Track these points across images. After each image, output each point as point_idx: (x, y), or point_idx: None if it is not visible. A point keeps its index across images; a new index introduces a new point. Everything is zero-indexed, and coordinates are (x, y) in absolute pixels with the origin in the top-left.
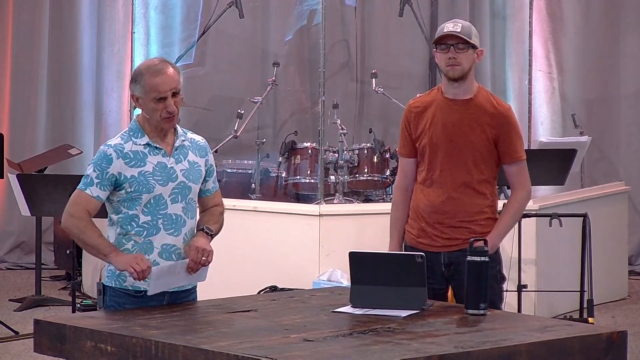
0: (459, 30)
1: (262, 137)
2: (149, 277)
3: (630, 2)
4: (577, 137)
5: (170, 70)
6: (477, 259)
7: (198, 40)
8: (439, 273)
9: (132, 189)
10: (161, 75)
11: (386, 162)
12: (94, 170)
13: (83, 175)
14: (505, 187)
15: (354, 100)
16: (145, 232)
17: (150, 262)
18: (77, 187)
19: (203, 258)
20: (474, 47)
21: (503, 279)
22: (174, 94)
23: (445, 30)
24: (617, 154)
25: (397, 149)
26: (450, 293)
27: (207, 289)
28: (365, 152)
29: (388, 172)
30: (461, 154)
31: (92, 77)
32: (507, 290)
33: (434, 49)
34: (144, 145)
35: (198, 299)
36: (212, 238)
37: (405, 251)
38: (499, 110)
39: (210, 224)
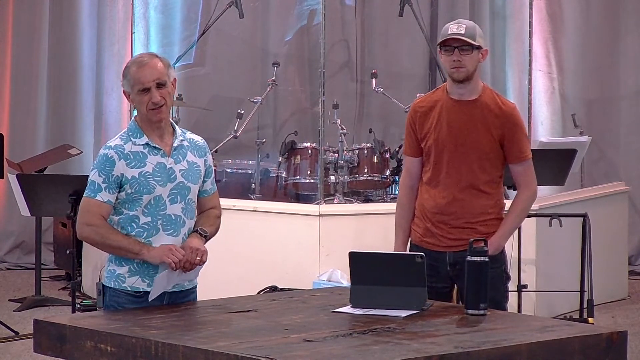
0: (463, 31)
1: (262, 137)
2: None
3: (630, 3)
4: (577, 137)
5: (155, 62)
6: (477, 259)
7: (198, 40)
8: (444, 273)
9: (132, 190)
10: (144, 67)
11: (386, 162)
12: (99, 175)
13: (87, 178)
14: (506, 187)
15: (354, 100)
16: (145, 233)
17: (183, 251)
18: (85, 195)
19: (197, 258)
20: (478, 47)
21: (508, 278)
22: (159, 85)
23: (449, 32)
24: (617, 154)
25: (397, 149)
26: (455, 292)
27: (207, 289)
28: (365, 152)
29: (388, 172)
30: (467, 154)
31: (92, 77)
32: (509, 290)
33: (439, 50)
34: (143, 145)
35: (198, 299)
36: (206, 240)
37: (410, 250)
38: (504, 110)
39: (205, 226)
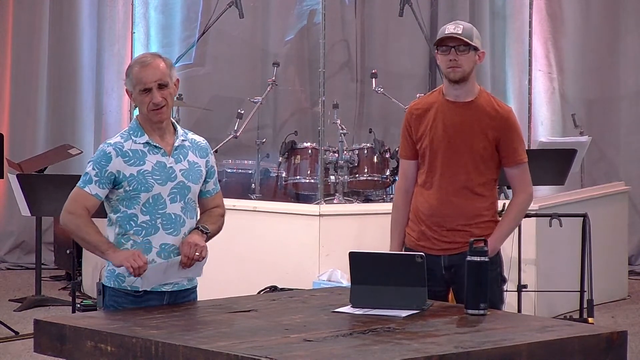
0: (460, 32)
1: (262, 137)
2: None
3: (630, 2)
4: (577, 137)
5: (157, 62)
6: (477, 259)
7: (198, 40)
8: (439, 276)
9: (130, 188)
10: (146, 67)
11: (386, 162)
12: (93, 168)
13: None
14: (506, 187)
15: (354, 100)
16: (143, 231)
17: (147, 259)
18: (77, 185)
19: (196, 254)
20: (475, 48)
21: (504, 281)
22: (161, 86)
23: (446, 32)
24: (617, 154)
25: (397, 149)
26: (451, 295)
27: (207, 289)
28: (365, 152)
29: (388, 172)
30: (461, 156)
31: (92, 77)
32: (507, 290)
33: (436, 51)
34: (143, 144)
35: (198, 299)
36: (207, 237)
37: None
38: (500, 112)
39: (207, 224)
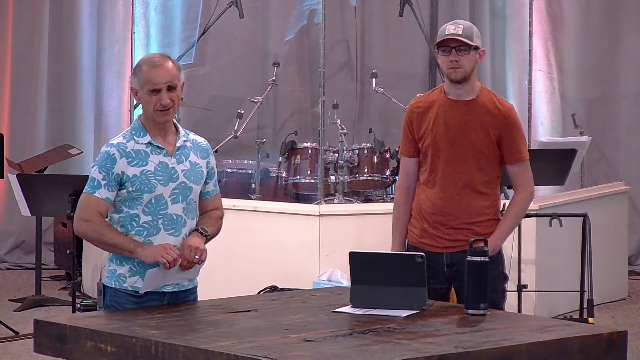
0: (460, 32)
1: (262, 137)
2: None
3: (630, 2)
4: (577, 137)
5: (168, 64)
6: (477, 259)
7: (198, 40)
8: (441, 273)
9: (133, 189)
10: (156, 68)
11: (386, 162)
12: (100, 172)
13: (88, 178)
14: (506, 187)
15: (354, 100)
16: (145, 232)
17: (177, 251)
18: (84, 191)
19: (196, 257)
20: (475, 48)
21: (505, 279)
22: (170, 88)
23: (446, 33)
24: (617, 154)
25: (397, 149)
26: (452, 293)
27: (207, 289)
28: (365, 152)
29: (388, 172)
30: (463, 155)
31: (92, 77)
32: (507, 290)
33: (436, 51)
34: (145, 144)
35: (198, 299)
36: (207, 239)
37: (407, 251)
38: (502, 110)
39: (206, 226)
